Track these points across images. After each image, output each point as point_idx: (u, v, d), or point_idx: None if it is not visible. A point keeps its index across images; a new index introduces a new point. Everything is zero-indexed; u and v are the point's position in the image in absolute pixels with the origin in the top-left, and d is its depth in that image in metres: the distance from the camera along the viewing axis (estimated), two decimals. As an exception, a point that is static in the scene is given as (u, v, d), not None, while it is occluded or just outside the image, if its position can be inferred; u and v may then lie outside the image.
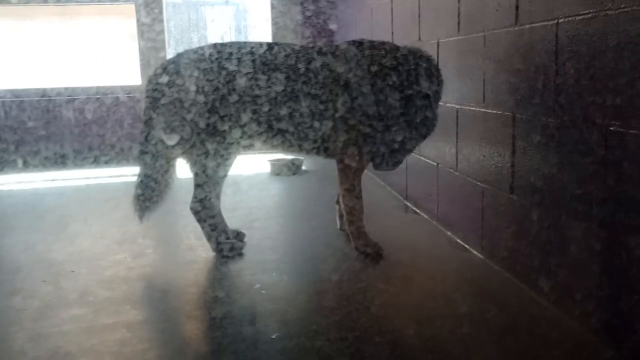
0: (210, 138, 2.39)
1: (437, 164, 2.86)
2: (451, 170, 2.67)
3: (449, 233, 2.73)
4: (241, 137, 2.44)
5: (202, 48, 2.50)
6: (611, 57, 1.57)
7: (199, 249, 2.62)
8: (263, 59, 2.40)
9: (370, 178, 4.00)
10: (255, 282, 2.25)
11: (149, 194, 2.53)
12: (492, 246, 2.32)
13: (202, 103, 2.36)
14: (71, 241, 2.81)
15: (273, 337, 1.81)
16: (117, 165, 4.91)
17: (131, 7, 5.16)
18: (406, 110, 2.36)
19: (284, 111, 2.37)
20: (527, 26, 1.97)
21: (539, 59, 1.91)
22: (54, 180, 4.48)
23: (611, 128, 1.57)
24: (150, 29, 5.18)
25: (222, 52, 2.43)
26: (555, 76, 1.82)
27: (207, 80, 2.37)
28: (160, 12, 5.22)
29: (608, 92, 1.59)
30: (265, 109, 2.37)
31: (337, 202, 2.77)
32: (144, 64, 5.21)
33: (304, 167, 4.47)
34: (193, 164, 2.46)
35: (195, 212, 2.50)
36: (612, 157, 1.58)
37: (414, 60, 2.40)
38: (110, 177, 4.48)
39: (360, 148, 2.41)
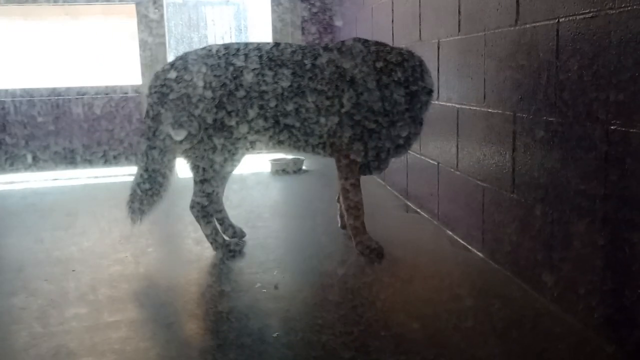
0: (218, 133, 2.40)
1: (438, 163, 2.86)
2: (452, 170, 2.68)
3: (450, 232, 2.74)
4: (248, 133, 2.45)
5: (210, 46, 2.52)
6: (612, 57, 1.57)
7: (200, 247, 2.62)
8: (270, 55, 2.42)
9: (370, 177, 4.01)
10: (257, 281, 2.26)
11: (155, 189, 2.52)
12: (493, 245, 2.33)
13: (209, 98, 2.37)
14: (73, 240, 2.82)
15: (276, 334, 1.82)
16: (125, 160, 4.92)
17: (132, 7, 5.17)
18: (396, 112, 2.38)
19: (290, 107, 2.38)
20: (528, 25, 1.98)
21: (540, 59, 1.91)
22: (56, 179, 4.50)
23: (612, 127, 1.58)
24: (151, 29, 5.19)
25: (229, 49, 2.45)
26: (556, 75, 1.83)
27: (215, 75, 2.39)
28: (161, 12, 5.23)
29: (609, 91, 1.59)
30: (272, 104, 2.38)
31: (338, 200, 2.78)
32: (145, 63, 5.22)
33: (304, 167, 4.48)
34: (197, 160, 2.45)
35: (197, 210, 2.51)
36: (614, 156, 1.59)
37: (408, 64, 2.42)
38: (113, 176, 4.49)
39: (365, 143, 2.41)
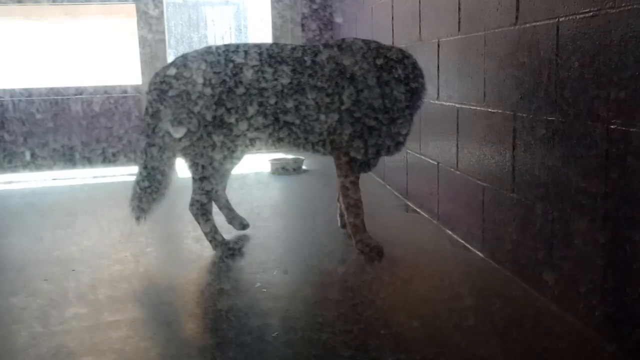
0: (217, 130, 2.41)
1: (438, 162, 2.86)
2: (452, 169, 2.68)
3: (450, 232, 2.74)
4: (247, 130, 2.46)
5: (209, 46, 2.55)
6: (612, 55, 1.57)
7: (200, 247, 2.63)
8: (270, 52, 2.44)
9: (370, 177, 4.01)
10: (257, 281, 2.26)
11: (155, 186, 2.53)
12: (494, 244, 2.33)
13: (209, 96, 2.38)
14: (73, 240, 2.82)
15: (275, 333, 1.82)
16: (124, 158, 4.93)
17: (132, 6, 5.18)
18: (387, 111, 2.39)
19: (289, 104, 2.39)
20: (528, 25, 1.98)
21: (540, 58, 1.91)
22: (55, 179, 4.50)
23: (612, 126, 1.58)
24: (150, 25, 5.19)
25: (229, 47, 2.48)
26: (556, 75, 1.83)
27: (214, 72, 2.40)
28: (161, 12, 5.23)
29: (609, 90, 1.59)
30: (271, 101, 2.39)
31: (339, 200, 2.78)
32: (145, 60, 5.22)
33: (304, 167, 4.48)
34: (197, 157, 2.45)
35: (196, 209, 2.52)
36: (614, 154, 1.59)
37: (403, 65, 2.43)
38: (112, 176, 4.49)
39: (366, 141, 2.42)
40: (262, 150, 4.64)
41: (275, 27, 5.49)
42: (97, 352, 1.73)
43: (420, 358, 1.65)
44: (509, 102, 2.13)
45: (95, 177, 4.53)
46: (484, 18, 2.29)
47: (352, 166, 2.47)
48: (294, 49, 2.48)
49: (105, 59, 5.28)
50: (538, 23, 1.92)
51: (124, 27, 5.28)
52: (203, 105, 2.39)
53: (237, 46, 2.50)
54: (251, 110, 2.40)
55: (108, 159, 5.03)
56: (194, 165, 2.49)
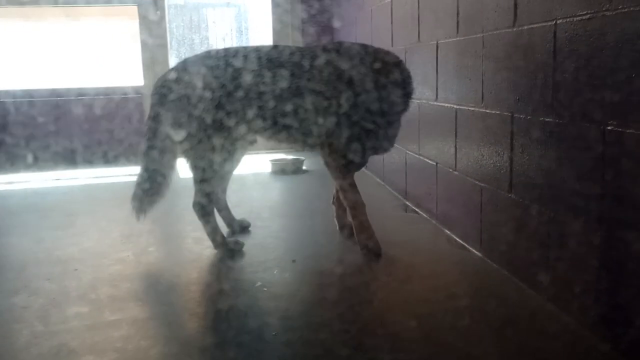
0: (217, 133, 2.43)
1: (436, 163, 2.88)
2: (450, 170, 2.69)
3: (448, 232, 2.75)
4: (247, 133, 2.50)
5: (209, 51, 2.60)
6: (608, 58, 1.59)
7: (200, 247, 2.64)
8: (269, 56, 2.46)
9: (370, 177, 4.03)
10: (257, 280, 2.27)
11: (155, 188, 2.57)
12: (491, 244, 2.34)
13: (209, 99, 2.41)
14: (75, 239, 2.84)
15: (275, 333, 1.84)
16: (125, 160, 4.94)
17: (134, 9, 5.20)
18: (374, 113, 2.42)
19: (288, 107, 2.41)
20: (526, 27, 1.99)
21: (537, 60, 1.93)
22: (57, 179, 4.52)
23: (608, 128, 1.59)
24: (151, 30, 5.21)
25: (229, 51, 2.52)
26: (553, 76, 1.84)
27: (215, 77, 2.43)
28: (163, 14, 5.25)
29: (605, 92, 1.61)
30: (271, 105, 2.42)
31: (334, 203, 2.79)
32: (147, 64, 5.24)
33: (304, 167, 4.49)
34: (197, 160, 2.49)
35: (201, 208, 2.54)
36: (609, 156, 1.60)
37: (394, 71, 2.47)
38: (113, 176, 4.51)
39: (364, 143, 2.43)
40: (262, 150, 4.67)
41: (275, 32, 5.51)
42: (98, 351, 1.74)
43: (417, 357, 1.67)
44: (507, 104, 2.15)
45: (96, 177, 4.55)
46: (482, 20, 2.30)
47: (350, 168, 2.49)
48: (292, 52, 2.50)
49: (107, 60, 5.30)
50: (535, 25, 1.93)
51: (125, 29, 5.30)
52: (202, 108, 2.42)
53: (237, 50, 2.54)
54: (250, 113, 2.43)
55: (109, 161, 5.04)
56: (194, 167, 2.52)
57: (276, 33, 5.51)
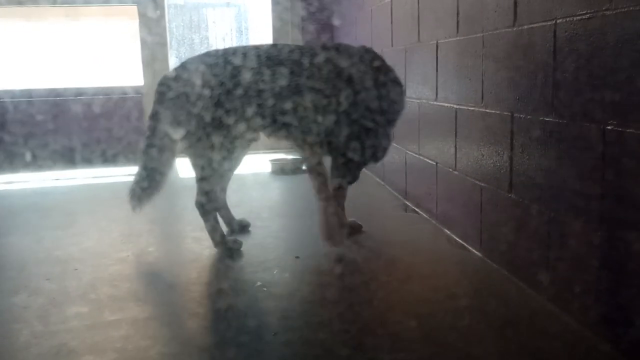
0: (216, 132, 2.44)
1: (436, 163, 2.88)
2: (450, 170, 2.69)
3: (448, 231, 2.75)
4: (246, 131, 2.51)
5: (208, 51, 2.63)
6: (609, 57, 1.59)
7: (200, 246, 2.64)
8: (268, 54, 2.47)
9: (370, 177, 4.02)
10: (257, 280, 2.27)
11: (151, 184, 2.60)
12: (491, 244, 2.34)
13: (207, 98, 2.41)
14: (75, 239, 2.84)
15: (274, 333, 1.84)
16: (124, 159, 4.95)
17: (134, 8, 5.20)
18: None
19: (287, 105, 2.42)
20: (526, 27, 1.99)
21: (537, 59, 1.93)
22: (57, 179, 4.51)
23: (608, 127, 1.59)
24: (150, 28, 5.21)
25: (228, 50, 2.54)
26: (553, 76, 1.84)
27: (214, 75, 2.43)
28: (163, 14, 5.25)
29: (605, 92, 1.61)
30: (270, 103, 2.43)
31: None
32: (146, 64, 5.24)
33: (304, 167, 4.48)
34: (196, 158, 2.51)
35: (201, 205, 2.55)
36: (610, 156, 1.60)
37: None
38: (113, 176, 4.51)
39: (363, 142, 2.43)
40: (261, 150, 4.67)
41: (275, 31, 5.51)
42: (98, 350, 1.74)
43: (417, 357, 1.66)
44: (507, 103, 2.15)
45: (95, 177, 4.55)
46: (482, 20, 2.30)
47: (350, 167, 2.49)
48: (291, 51, 2.51)
49: (107, 60, 5.30)
50: (535, 25, 1.93)
51: (125, 29, 5.30)
52: (201, 106, 2.43)
53: (236, 49, 2.55)
54: (249, 111, 2.44)
55: (108, 160, 5.04)
56: (195, 166, 2.54)
57: (276, 31, 5.51)
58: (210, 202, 2.57)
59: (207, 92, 2.42)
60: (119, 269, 2.43)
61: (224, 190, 2.87)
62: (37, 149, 4.93)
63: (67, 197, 3.91)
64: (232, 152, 2.53)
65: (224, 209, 2.88)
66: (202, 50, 2.68)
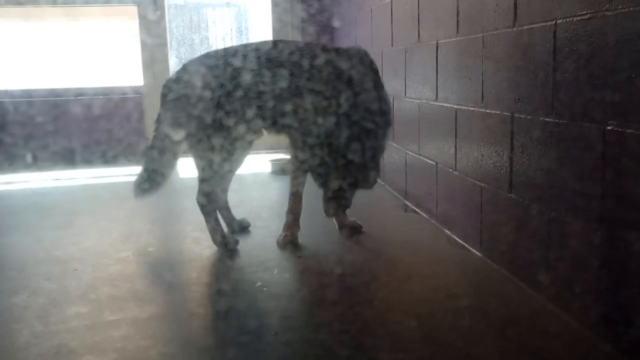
0: (216, 133, 2.45)
1: (436, 163, 2.88)
2: (450, 170, 2.69)
3: (448, 232, 2.75)
4: (246, 132, 2.53)
5: (209, 52, 2.66)
6: (609, 58, 1.59)
7: (200, 247, 2.64)
8: (268, 56, 2.48)
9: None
10: (257, 280, 2.27)
11: (154, 188, 2.66)
12: (491, 244, 2.34)
13: (207, 99, 2.42)
14: (75, 239, 2.83)
15: (275, 333, 1.84)
16: (124, 160, 4.95)
17: (134, 9, 5.20)
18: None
19: (287, 107, 2.42)
20: (526, 27, 1.99)
21: (537, 60, 1.93)
22: (56, 179, 4.51)
23: (608, 127, 1.59)
24: (149, 29, 5.21)
25: (228, 51, 2.57)
26: (553, 76, 1.84)
27: (214, 76, 2.44)
28: (163, 14, 5.25)
29: (605, 92, 1.61)
30: (270, 104, 2.43)
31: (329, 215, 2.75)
32: (146, 64, 5.24)
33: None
34: (197, 159, 2.53)
35: (202, 206, 2.57)
36: (610, 156, 1.60)
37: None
38: (113, 176, 4.51)
39: (363, 144, 2.43)
40: (262, 151, 4.67)
41: (275, 32, 5.51)
42: (98, 350, 1.74)
43: (417, 357, 1.66)
44: (507, 104, 2.15)
45: (95, 177, 4.55)
46: (482, 20, 2.30)
47: (350, 168, 2.48)
48: (291, 52, 2.51)
49: (107, 60, 5.30)
50: (535, 25, 1.93)
51: (125, 29, 5.30)
52: (201, 108, 2.44)
53: (236, 49, 2.56)
54: (249, 112, 2.45)
55: (108, 161, 5.04)
56: (197, 166, 2.57)
57: (276, 32, 5.51)
58: (211, 203, 2.58)
59: (207, 94, 2.42)
60: (119, 269, 2.43)
61: (225, 190, 2.87)
62: (37, 149, 4.92)
63: (67, 197, 3.91)
64: (232, 153, 2.54)
65: (224, 210, 2.88)
66: (202, 50, 2.69)
